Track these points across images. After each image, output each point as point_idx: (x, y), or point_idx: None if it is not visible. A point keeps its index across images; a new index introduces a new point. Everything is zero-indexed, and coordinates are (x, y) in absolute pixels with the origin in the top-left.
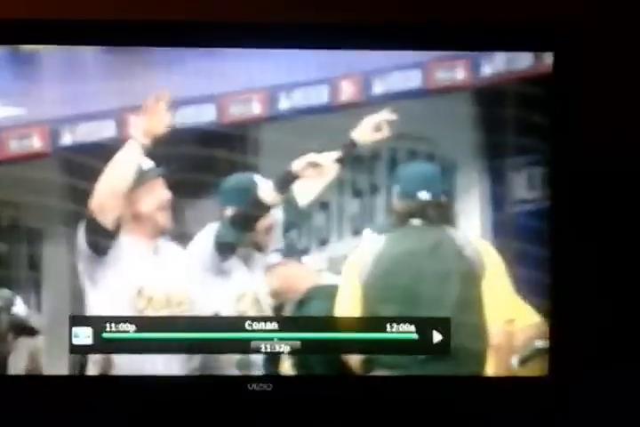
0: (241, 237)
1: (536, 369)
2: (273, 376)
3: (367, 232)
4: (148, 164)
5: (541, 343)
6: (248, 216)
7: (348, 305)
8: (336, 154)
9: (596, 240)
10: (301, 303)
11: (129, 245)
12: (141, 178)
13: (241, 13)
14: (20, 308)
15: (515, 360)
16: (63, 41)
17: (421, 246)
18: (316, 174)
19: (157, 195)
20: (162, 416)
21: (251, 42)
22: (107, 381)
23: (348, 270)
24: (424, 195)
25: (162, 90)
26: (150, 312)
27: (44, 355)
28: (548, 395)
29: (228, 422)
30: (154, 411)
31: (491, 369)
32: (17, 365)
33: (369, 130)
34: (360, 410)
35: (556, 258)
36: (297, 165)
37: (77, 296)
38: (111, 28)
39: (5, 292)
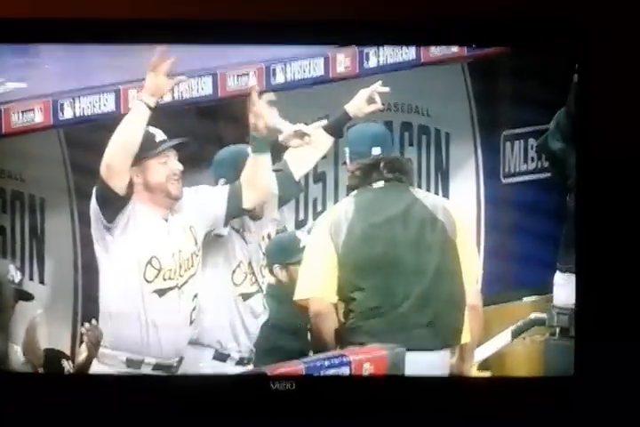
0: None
1: (530, 343)
2: (295, 376)
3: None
4: (161, 135)
5: (536, 315)
6: None
7: (321, 265)
8: (322, 123)
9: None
10: None
11: (142, 215)
12: (154, 149)
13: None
14: (14, 275)
15: (508, 332)
16: (67, 40)
17: (393, 213)
18: (303, 143)
19: (170, 166)
20: (184, 415)
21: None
22: (133, 379)
23: (319, 230)
24: (376, 151)
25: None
26: (159, 283)
27: (45, 327)
28: (574, 395)
29: (250, 420)
30: (177, 410)
31: (467, 333)
32: (18, 333)
33: (362, 102)
34: (381, 409)
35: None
36: (283, 136)
37: (84, 267)
38: (111, 26)
39: (2, 262)
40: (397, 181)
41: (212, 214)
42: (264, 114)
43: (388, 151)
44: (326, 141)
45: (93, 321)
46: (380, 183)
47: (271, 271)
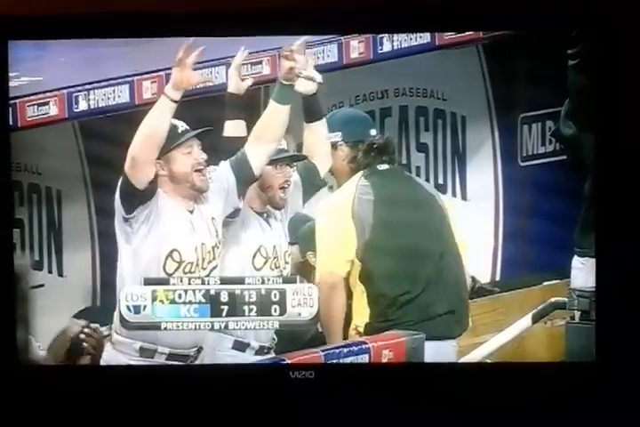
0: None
1: (551, 327)
2: (315, 364)
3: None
4: (183, 126)
5: (556, 299)
6: None
7: (338, 245)
8: (318, 77)
9: None
10: None
11: (166, 208)
12: (178, 140)
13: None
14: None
15: (529, 316)
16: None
17: (406, 199)
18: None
19: (194, 156)
20: (204, 404)
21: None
22: (152, 368)
23: (338, 212)
24: (374, 131)
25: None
26: (179, 275)
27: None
28: (596, 380)
29: (270, 409)
30: (197, 399)
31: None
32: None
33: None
34: (400, 397)
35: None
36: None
37: (102, 258)
38: (125, 20)
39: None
40: (393, 164)
41: (225, 188)
42: (299, 60)
43: (380, 132)
44: (320, 129)
45: (92, 325)
46: (385, 166)
47: (303, 258)
